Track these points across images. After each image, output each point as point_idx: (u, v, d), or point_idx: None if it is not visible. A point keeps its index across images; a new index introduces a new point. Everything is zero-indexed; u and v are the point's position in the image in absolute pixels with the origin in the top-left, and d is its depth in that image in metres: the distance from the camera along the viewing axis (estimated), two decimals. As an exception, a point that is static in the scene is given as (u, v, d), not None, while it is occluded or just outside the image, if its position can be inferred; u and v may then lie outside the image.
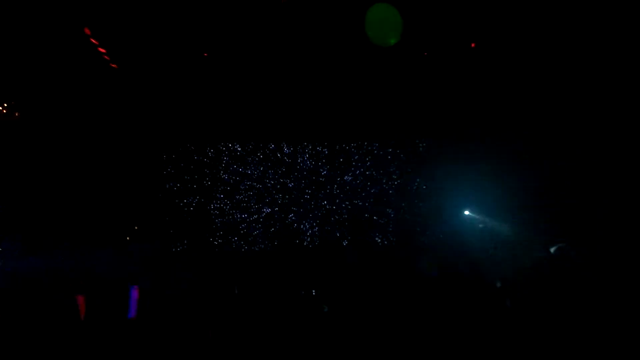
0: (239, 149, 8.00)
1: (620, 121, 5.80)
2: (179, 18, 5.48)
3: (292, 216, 7.99)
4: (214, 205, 7.85)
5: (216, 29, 5.80)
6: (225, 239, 7.81)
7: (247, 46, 6.16)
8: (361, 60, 6.58)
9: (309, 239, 7.96)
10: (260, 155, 8.04)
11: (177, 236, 7.65)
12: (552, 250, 4.93)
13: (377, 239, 8.05)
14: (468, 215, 7.85)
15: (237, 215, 7.90)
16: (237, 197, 7.93)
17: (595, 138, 6.08)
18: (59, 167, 6.84)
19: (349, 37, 5.98)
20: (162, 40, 5.94)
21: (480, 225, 7.67)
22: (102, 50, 6.08)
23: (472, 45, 6.24)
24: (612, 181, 5.97)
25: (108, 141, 7.30)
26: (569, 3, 5.24)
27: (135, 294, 6.49)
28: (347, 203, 8.08)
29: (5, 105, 6.24)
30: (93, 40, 5.95)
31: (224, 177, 7.94)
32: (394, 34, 4.25)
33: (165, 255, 7.44)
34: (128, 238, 7.36)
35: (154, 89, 7.12)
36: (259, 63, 6.54)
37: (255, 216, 7.91)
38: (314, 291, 7.11)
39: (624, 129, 5.71)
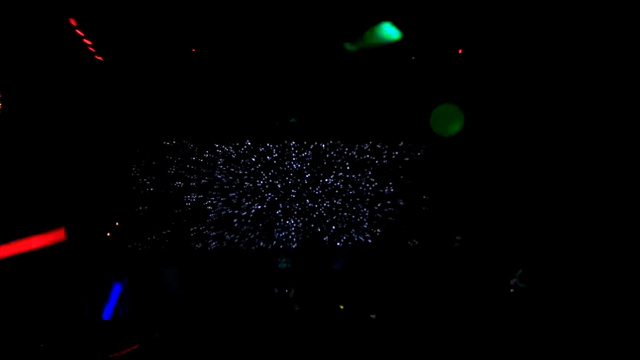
0: (232, 152, 8.38)
1: (617, 131, 5.84)
2: (172, 12, 5.43)
3: (279, 212, 8.39)
4: (209, 201, 8.21)
5: (213, 29, 5.81)
6: (217, 231, 8.18)
7: (237, 43, 6.17)
8: (345, 68, 6.76)
9: (293, 232, 8.40)
10: (252, 158, 8.40)
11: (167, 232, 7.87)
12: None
13: (353, 235, 8.51)
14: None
15: (229, 211, 8.27)
16: (230, 194, 8.29)
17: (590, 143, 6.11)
18: (51, 164, 6.69)
19: (336, 44, 6.11)
20: (155, 36, 5.89)
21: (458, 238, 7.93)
22: (89, 42, 5.98)
23: (460, 51, 6.40)
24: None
25: (90, 135, 7.19)
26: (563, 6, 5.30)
27: (116, 292, 6.40)
28: (327, 203, 8.52)
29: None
30: (79, 32, 5.83)
31: (219, 177, 8.29)
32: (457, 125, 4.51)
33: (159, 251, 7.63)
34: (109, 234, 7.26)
35: (147, 88, 7.17)
36: (251, 70, 6.75)
37: (245, 212, 8.28)
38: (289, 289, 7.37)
39: (620, 138, 5.74)
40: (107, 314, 6.41)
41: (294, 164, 8.49)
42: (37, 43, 5.81)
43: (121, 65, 6.49)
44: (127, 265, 6.92)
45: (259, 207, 8.31)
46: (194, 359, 4.44)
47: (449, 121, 4.39)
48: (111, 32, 5.85)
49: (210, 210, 8.16)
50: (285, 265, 8.14)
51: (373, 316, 5.67)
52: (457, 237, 7.67)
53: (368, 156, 8.56)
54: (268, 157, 8.44)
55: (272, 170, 8.41)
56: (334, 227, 8.40)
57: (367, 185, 8.60)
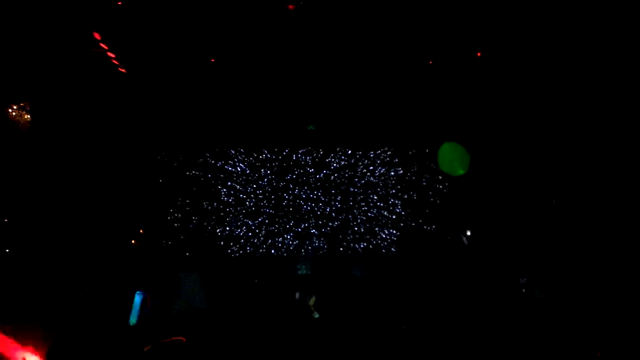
0: (243, 154, 8.24)
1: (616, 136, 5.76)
2: (186, 24, 5.56)
3: (304, 225, 8.25)
4: (228, 209, 8.16)
5: (221, 34, 5.89)
6: (236, 238, 8.10)
7: (256, 51, 6.25)
8: (360, 67, 6.69)
9: (314, 238, 8.25)
10: (266, 162, 8.25)
11: (184, 241, 7.88)
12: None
13: (373, 241, 8.26)
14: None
15: (248, 222, 8.18)
16: (248, 203, 8.18)
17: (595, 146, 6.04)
18: (69, 171, 6.87)
19: (349, 43, 6.10)
20: (169, 45, 6.03)
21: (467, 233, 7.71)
22: (112, 55, 6.16)
23: (479, 54, 6.31)
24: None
25: (114, 145, 7.37)
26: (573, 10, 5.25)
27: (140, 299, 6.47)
28: (356, 211, 8.26)
29: (15, 107, 6.28)
30: (102, 45, 6.02)
31: (235, 185, 8.19)
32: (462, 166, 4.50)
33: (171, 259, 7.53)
34: (133, 242, 7.39)
35: (160, 93, 7.25)
36: (274, 66, 6.63)
37: (263, 218, 8.17)
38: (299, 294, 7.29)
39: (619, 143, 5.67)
40: (133, 318, 6.49)
41: (313, 169, 8.33)
42: (64, 57, 6.07)
43: (143, 76, 6.66)
44: (150, 272, 7.00)
45: (279, 212, 8.18)
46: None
47: (456, 162, 4.39)
48: (132, 44, 6.03)
49: (230, 216, 8.07)
50: (305, 271, 8.04)
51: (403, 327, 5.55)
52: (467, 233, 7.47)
53: (388, 159, 8.32)
54: (290, 162, 8.29)
55: (290, 175, 8.24)
56: (353, 233, 8.15)
57: (391, 190, 8.35)
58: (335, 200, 8.31)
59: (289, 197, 8.27)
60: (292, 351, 4.77)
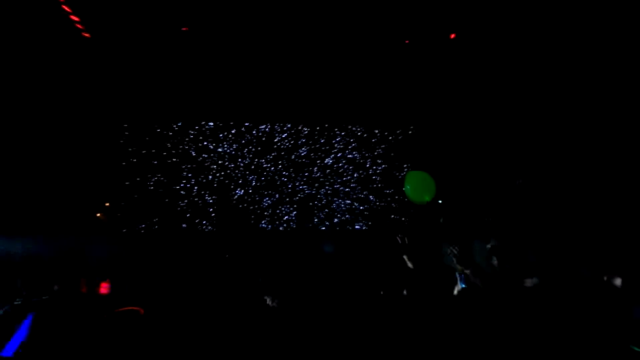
0: (210, 125, 7.68)
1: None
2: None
3: (267, 200, 7.78)
4: (180, 185, 7.52)
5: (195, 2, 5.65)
6: (191, 221, 7.47)
7: (228, 19, 6.02)
8: (347, 44, 6.58)
9: (285, 225, 7.73)
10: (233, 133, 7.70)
11: (138, 217, 7.36)
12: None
13: (357, 226, 7.91)
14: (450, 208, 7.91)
15: (205, 197, 7.57)
16: (207, 177, 7.60)
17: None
18: (17, 138, 6.53)
19: (335, 19, 5.98)
20: (137, 9, 5.72)
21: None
22: (75, 19, 5.84)
23: (452, 36, 6.33)
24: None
25: (71, 112, 7.05)
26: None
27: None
28: (328, 187, 7.85)
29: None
30: (65, 7, 5.69)
31: (192, 155, 7.58)
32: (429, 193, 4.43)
33: (126, 236, 7.21)
34: (99, 215, 7.16)
35: (123, 58, 6.78)
36: (239, 35, 6.30)
37: (226, 198, 7.58)
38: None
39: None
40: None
41: (287, 142, 7.79)
42: (23, 20, 5.69)
43: (108, 43, 6.32)
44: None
45: (247, 189, 7.65)
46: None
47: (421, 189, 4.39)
48: (101, 9, 5.71)
49: (193, 192, 7.40)
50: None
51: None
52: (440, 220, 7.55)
53: (370, 137, 7.88)
54: (254, 133, 7.64)
55: (261, 148, 7.60)
56: (327, 210, 7.70)
57: (370, 168, 7.91)
58: (315, 177, 7.89)
59: (260, 172, 7.83)
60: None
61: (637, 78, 5.38)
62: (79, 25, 5.90)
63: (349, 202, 7.97)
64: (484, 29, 6.25)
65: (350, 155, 8.04)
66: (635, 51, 5.25)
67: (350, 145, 8.06)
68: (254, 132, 7.84)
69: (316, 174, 7.92)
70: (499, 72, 6.84)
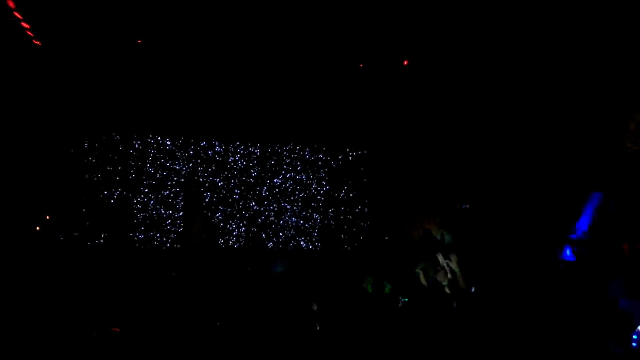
0: (168, 143, 7.73)
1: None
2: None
3: (219, 215, 7.82)
4: (137, 200, 7.51)
5: (154, 15, 5.68)
6: (146, 234, 7.49)
7: (186, 35, 6.08)
8: (302, 66, 6.75)
9: (234, 239, 7.82)
10: (190, 152, 7.79)
11: (94, 229, 7.22)
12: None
13: (302, 243, 8.14)
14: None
15: (161, 211, 7.60)
16: (163, 192, 7.65)
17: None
18: None
19: (292, 41, 6.14)
20: (96, 20, 5.71)
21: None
22: (26, 26, 5.78)
23: (405, 62, 6.58)
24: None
25: (24, 124, 6.85)
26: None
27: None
28: (275, 205, 8.06)
29: None
30: (17, 14, 5.65)
31: (150, 171, 7.61)
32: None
33: (80, 249, 6.97)
34: (38, 228, 6.85)
35: (80, 70, 6.71)
36: (199, 55, 6.40)
37: (180, 213, 7.58)
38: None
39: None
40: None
41: (239, 161, 7.97)
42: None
43: (58, 51, 6.24)
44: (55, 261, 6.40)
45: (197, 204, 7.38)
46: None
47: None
48: (52, 16, 5.67)
49: (141, 208, 7.41)
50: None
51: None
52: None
53: (322, 156, 8.22)
54: (209, 153, 7.77)
55: (214, 167, 7.76)
56: (279, 232, 7.95)
57: (319, 188, 8.25)
58: (264, 196, 8.13)
59: (213, 191, 7.96)
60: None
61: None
62: (29, 32, 5.84)
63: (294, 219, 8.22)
64: (437, 54, 6.47)
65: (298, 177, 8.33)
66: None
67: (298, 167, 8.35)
68: (209, 151, 7.95)
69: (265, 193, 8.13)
70: (448, 98, 7.10)
